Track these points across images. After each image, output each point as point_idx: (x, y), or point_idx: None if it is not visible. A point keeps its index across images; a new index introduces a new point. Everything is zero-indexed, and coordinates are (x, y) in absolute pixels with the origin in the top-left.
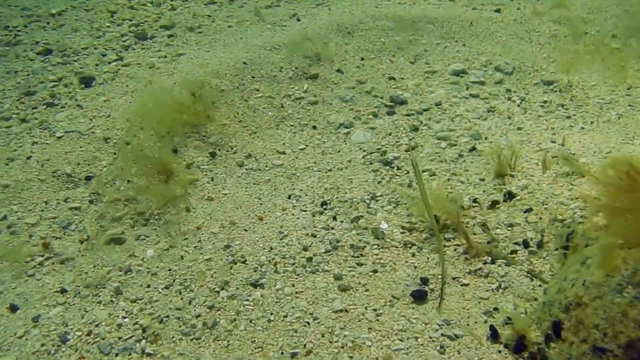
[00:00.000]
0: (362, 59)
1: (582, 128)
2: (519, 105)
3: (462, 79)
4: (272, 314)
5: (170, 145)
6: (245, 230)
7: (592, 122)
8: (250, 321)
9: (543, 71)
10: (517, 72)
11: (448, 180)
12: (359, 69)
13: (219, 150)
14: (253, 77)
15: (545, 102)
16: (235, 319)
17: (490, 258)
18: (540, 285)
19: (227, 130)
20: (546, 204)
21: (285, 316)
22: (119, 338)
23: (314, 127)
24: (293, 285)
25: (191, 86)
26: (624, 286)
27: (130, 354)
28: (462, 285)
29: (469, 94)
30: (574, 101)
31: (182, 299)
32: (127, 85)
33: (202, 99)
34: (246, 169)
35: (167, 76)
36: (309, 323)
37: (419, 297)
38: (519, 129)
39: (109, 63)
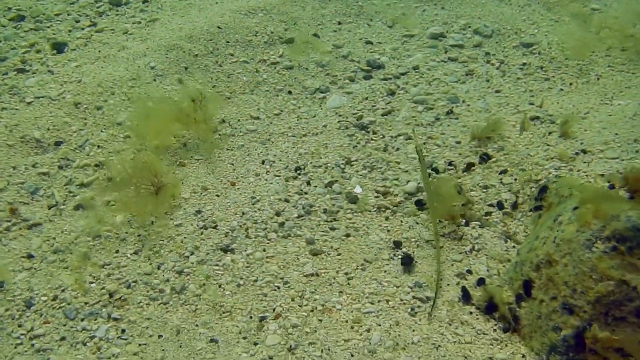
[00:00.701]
0: (339, 23)
1: (561, 90)
2: (497, 68)
3: (440, 43)
4: (241, 278)
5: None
6: (217, 195)
7: (570, 84)
8: (220, 286)
9: (522, 34)
10: (496, 35)
11: (424, 143)
12: (335, 33)
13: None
14: (227, 42)
15: (524, 64)
16: (204, 284)
17: (464, 220)
18: (514, 247)
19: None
20: (521, 165)
21: (255, 280)
22: (85, 303)
23: (289, 92)
24: (264, 250)
25: (164, 51)
26: (593, 241)
27: (96, 319)
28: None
29: (447, 57)
30: (553, 63)
31: (150, 264)
32: (99, 51)
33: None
34: (219, 135)
35: (140, 42)
36: (279, 287)
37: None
38: (497, 91)
39: (82, 29)
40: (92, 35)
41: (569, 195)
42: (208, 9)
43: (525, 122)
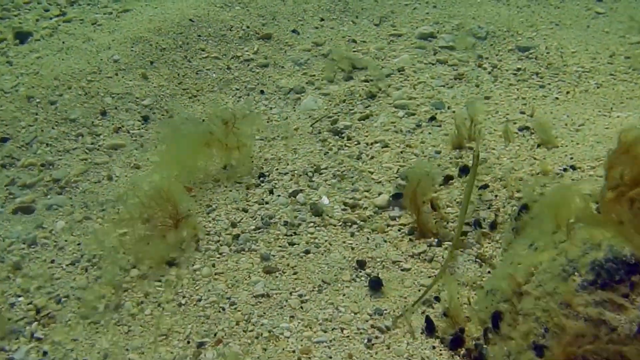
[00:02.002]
0: (322, 19)
1: (556, 98)
2: (489, 73)
3: (429, 44)
4: (184, 297)
5: (98, 107)
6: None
7: (567, 93)
8: (159, 305)
9: (519, 36)
10: (491, 37)
11: (401, 152)
12: (317, 30)
13: (153, 114)
14: (199, 36)
15: (518, 69)
16: (142, 302)
17: (436, 240)
18: (489, 272)
19: (164, 92)
20: (504, 180)
21: (199, 300)
22: (8, 319)
23: (262, 92)
24: (213, 266)
25: (130, 44)
26: (570, 272)
27: (17, 338)
28: (402, 270)
29: (436, 59)
30: (550, 69)
31: (87, 277)
32: (63, 42)
33: None
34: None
35: (107, 33)
36: (224, 309)
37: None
38: (486, 97)
39: (50, 19)
40: (59, 25)
41: (548, 217)
42: (183, 0)
43: (509, 133)
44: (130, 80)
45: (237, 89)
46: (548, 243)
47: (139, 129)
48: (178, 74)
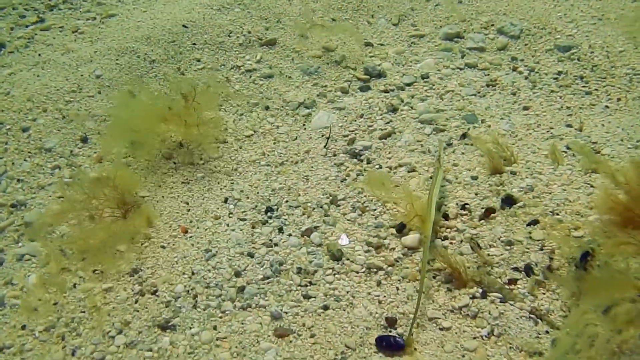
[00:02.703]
0: (333, 20)
1: (606, 107)
2: (526, 78)
3: (456, 45)
4: None
5: (78, 133)
6: (163, 247)
7: (618, 100)
8: None
9: (558, 34)
10: (526, 36)
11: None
12: (328, 33)
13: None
14: (194, 44)
15: (559, 73)
16: None
17: (480, 290)
18: (547, 332)
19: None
20: (558, 214)
21: None
22: None
23: (267, 108)
24: (215, 329)
25: (114, 55)
26: None
27: None
28: (441, 329)
29: (464, 63)
30: (596, 72)
31: (64, 347)
32: (39, 55)
33: None
34: (174, 163)
35: (89, 43)
36: None
37: (388, 346)
38: (525, 108)
39: (26, 27)
40: (35, 34)
41: (625, 271)
42: (175, 2)
43: (557, 154)
44: (116, 100)
45: (239, 105)
46: (630, 311)
47: (126, 158)
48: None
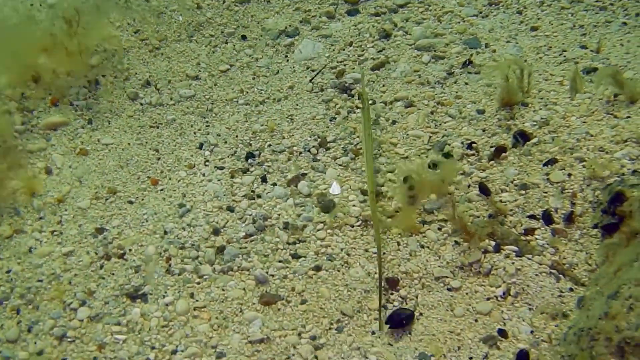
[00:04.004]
0: None
1: (624, 24)
2: None
3: None
4: (153, 348)
5: (30, 72)
6: (130, 202)
7: (637, 15)
8: None
9: None
10: None
11: (431, 113)
12: None
13: (103, 76)
14: None
15: None
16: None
17: (493, 243)
18: (572, 290)
19: (117, 44)
20: (578, 151)
21: (174, 352)
22: None
23: (243, 37)
24: (192, 297)
25: None
26: None
27: None
28: (449, 289)
29: None
30: None
31: (18, 322)
32: None
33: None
34: (141, 104)
35: None
36: None
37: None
38: (533, 29)
39: None
40: None
41: None
42: None
43: (578, 79)
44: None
45: (212, 35)
46: None
47: (83, 99)
48: (133, 18)
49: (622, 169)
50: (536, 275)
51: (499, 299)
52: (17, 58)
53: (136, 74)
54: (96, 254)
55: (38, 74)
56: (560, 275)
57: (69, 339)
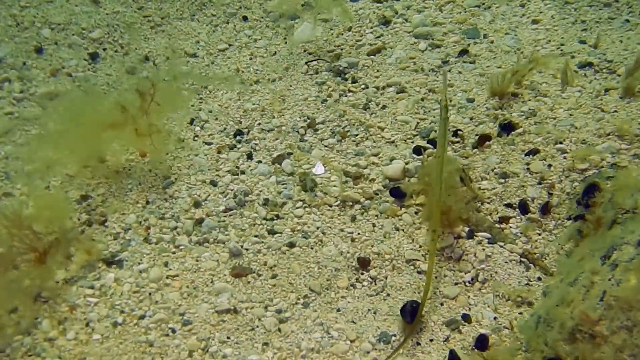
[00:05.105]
0: None
1: (627, 21)
2: None
3: None
4: (122, 312)
5: (32, 43)
6: (117, 172)
7: None
8: (88, 324)
9: None
10: None
11: (421, 100)
12: None
13: (104, 50)
14: None
15: None
16: (65, 319)
17: (467, 228)
18: (540, 279)
19: (119, 20)
20: (561, 142)
21: (142, 317)
22: None
23: (245, 18)
24: (166, 265)
25: None
26: None
27: None
28: (419, 272)
29: None
30: None
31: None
32: None
33: None
34: (137, 79)
35: None
36: (174, 331)
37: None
38: (534, 22)
39: None
40: None
41: (633, 211)
42: None
43: (569, 73)
44: (77, 6)
45: (214, 15)
46: (634, 259)
47: (84, 71)
48: None
49: (602, 162)
50: (505, 262)
51: (467, 284)
52: None
53: (136, 49)
54: (79, 219)
55: None
56: (531, 264)
57: (42, 300)
